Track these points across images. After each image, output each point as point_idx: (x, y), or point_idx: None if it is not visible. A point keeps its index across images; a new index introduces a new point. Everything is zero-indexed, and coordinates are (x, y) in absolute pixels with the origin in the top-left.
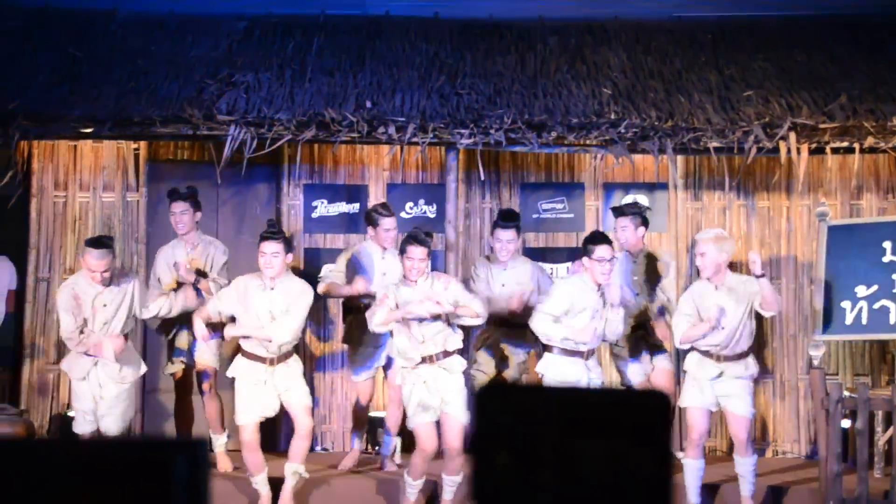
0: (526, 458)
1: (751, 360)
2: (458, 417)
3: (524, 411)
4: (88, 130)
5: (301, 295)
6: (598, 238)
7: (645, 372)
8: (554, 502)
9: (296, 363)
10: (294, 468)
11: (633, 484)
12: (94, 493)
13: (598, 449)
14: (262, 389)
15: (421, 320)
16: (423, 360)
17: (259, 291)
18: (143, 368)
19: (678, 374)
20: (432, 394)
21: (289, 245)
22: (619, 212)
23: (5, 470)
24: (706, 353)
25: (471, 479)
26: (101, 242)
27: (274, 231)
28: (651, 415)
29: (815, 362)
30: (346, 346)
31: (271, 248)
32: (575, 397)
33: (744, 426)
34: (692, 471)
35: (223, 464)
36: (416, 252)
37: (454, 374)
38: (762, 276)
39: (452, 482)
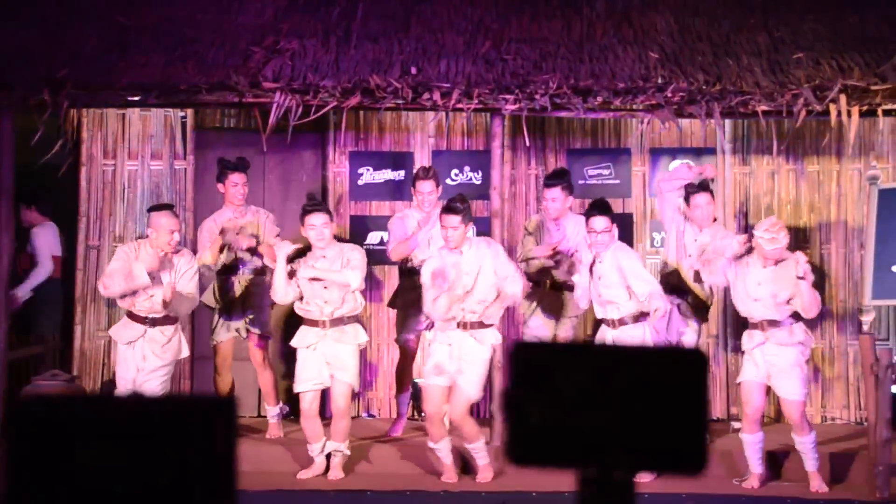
0: (559, 415)
1: (797, 328)
2: (465, 390)
3: (557, 369)
4: (136, 98)
5: (354, 250)
6: (596, 207)
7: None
8: (587, 459)
9: (353, 331)
10: (335, 446)
11: (667, 441)
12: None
13: (632, 405)
14: (312, 356)
15: (465, 291)
16: (458, 325)
17: (310, 262)
18: (186, 353)
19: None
20: (452, 359)
21: (331, 214)
22: (694, 188)
23: (42, 426)
24: (754, 325)
25: (504, 437)
26: (168, 205)
27: (317, 203)
28: (686, 371)
29: (865, 328)
30: (392, 310)
31: (321, 219)
32: (609, 354)
33: (795, 408)
34: (751, 444)
35: (273, 431)
36: (448, 220)
37: (482, 346)
38: (802, 278)
39: (474, 448)
